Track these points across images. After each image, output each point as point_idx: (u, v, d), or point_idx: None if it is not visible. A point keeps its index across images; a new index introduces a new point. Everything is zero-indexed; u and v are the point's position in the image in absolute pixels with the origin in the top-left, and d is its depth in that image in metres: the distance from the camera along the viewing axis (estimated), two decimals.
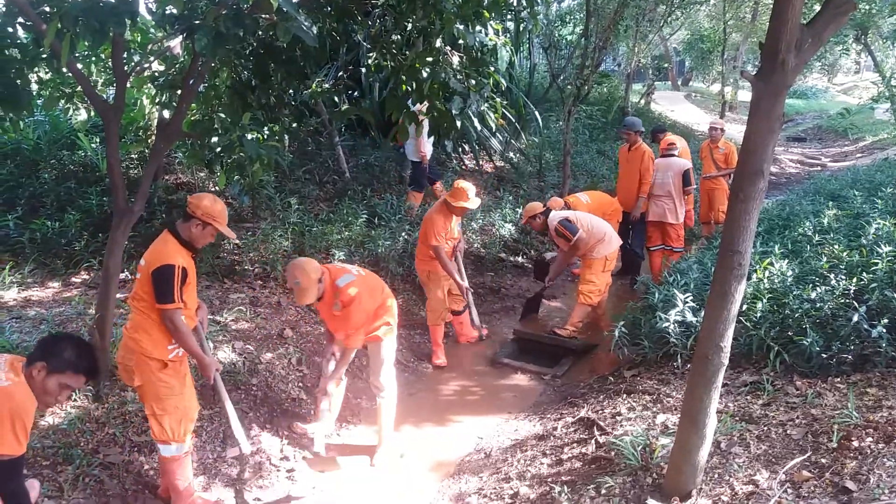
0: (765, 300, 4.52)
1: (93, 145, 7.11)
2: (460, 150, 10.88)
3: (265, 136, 6.86)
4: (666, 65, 26.38)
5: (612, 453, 3.80)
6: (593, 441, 4.10)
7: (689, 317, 4.66)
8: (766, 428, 3.61)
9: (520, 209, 8.98)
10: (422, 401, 5.35)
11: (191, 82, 4.66)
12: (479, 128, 8.36)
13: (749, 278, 4.90)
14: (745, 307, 4.55)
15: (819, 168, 16.25)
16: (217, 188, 7.28)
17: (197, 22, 3.56)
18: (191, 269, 3.63)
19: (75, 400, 4.15)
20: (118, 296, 5.60)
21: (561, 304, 7.44)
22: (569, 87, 12.73)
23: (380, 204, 7.86)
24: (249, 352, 5.15)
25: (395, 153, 9.30)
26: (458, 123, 5.39)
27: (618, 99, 17.10)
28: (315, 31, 4.02)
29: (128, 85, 4.71)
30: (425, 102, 4.86)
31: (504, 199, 9.27)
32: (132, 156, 7.42)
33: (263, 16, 3.79)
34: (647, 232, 7.60)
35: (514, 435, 4.72)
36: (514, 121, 11.17)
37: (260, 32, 4.39)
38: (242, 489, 4.04)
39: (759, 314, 4.44)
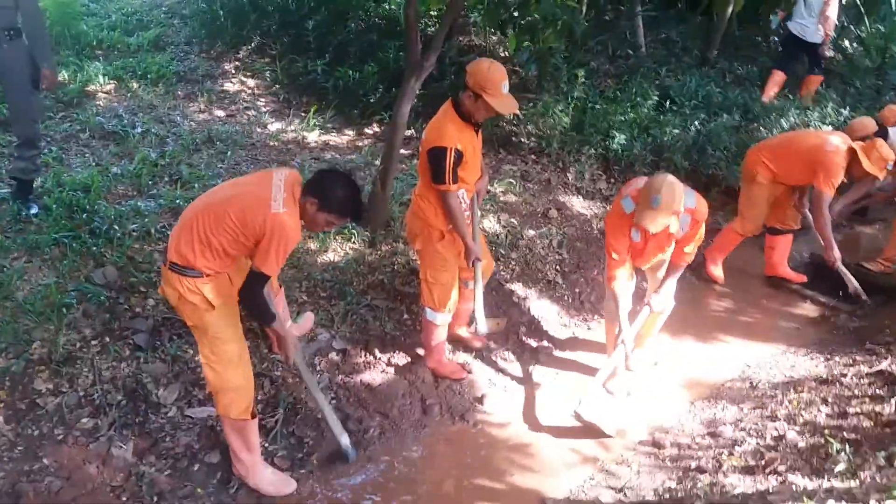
0: None
1: None
2: (780, 30, 9.27)
3: None
4: None
5: None
6: (894, 401, 3.38)
7: None
8: None
9: (845, 111, 7.48)
10: (685, 313, 4.54)
11: None
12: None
13: None
14: None
15: None
16: (507, 53, 7.11)
17: None
18: (469, 148, 3.33)
19: (354, 243, 4.49)
20: (403, 151, 5.92)
21: (878, 233, 6.17)
22: None
23: (674, 86, 7.06)
24: (513, 226, 5.10)
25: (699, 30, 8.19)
26: None
27: None
28: None
29: None
30: None
31: (826, 95, 7.76)
32: (431, 13, 7.51)
33: None
34: None
35: (790, 371, 4.11)
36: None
37: None
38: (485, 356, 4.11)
39: None
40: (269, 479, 3.09)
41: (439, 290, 3.60)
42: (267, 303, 2.91)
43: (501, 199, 5.44)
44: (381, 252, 4.50)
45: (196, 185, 4.73)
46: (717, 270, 5.15)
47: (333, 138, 5.93)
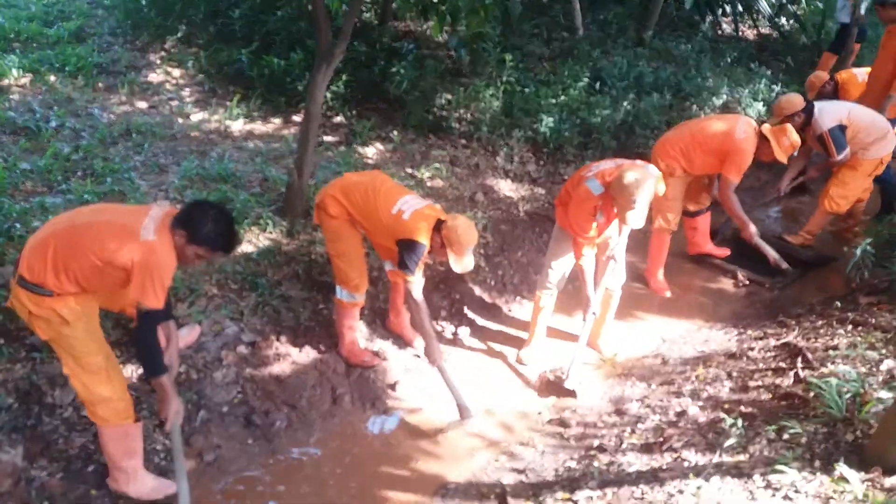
0: None
1: None
2: (718, 10, 9.35)
3: None
4: None
5: (811, 394, 3.16)
6: (793, 374, 3.45)
7: None
8: None
9: (777, 87, 7.58)
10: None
11: None
12: None
13: None
14: None
15: None
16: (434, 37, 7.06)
17: None
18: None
19: (270, 233, 4.43)
20: (330, 138, 5.86)
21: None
22: None
23: (607, 67, 7.07)
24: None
25: (637, 10, 8.22)
26: None
27: None
28: None
29: None
30: None
31: (759, 73, 7.85)
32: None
33: None
34: None
35: (702, 346, 4.18)
36: None
37: None
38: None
39: None
40: (151, 485, 2.99)
41: (344, 263, 3.64)
42: (159, 350, 2.80)
43: (429, 184, 5.41)
44: (298, 241, 4.44)
45: (109, 180, 4.61)
46: (661, 283, 4.96)
47: (258, 127, 5.83)
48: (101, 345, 2.83)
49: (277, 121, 6.00)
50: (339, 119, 6.19)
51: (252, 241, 4.34)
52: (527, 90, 6.43)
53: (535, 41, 7.67)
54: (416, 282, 3.52)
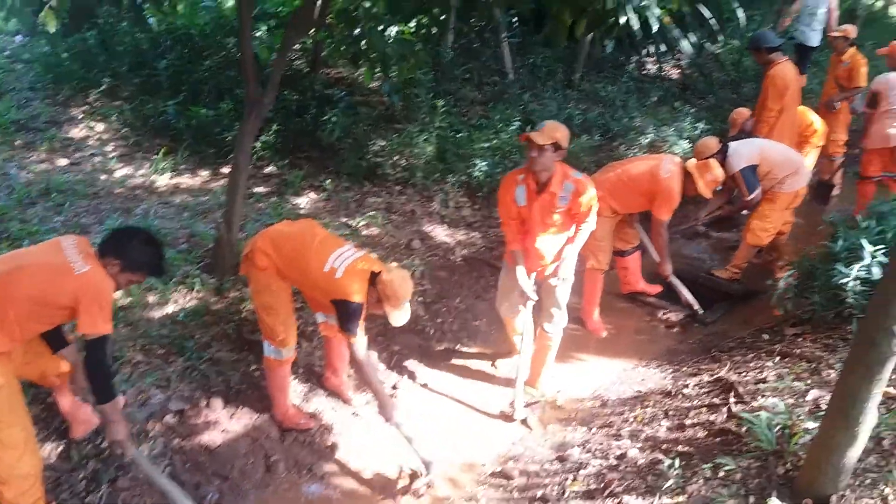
0: None
1: (257, 33, 7.17)
2: (643, 51, 9.72)
3: (411, 31, 6.47)
4: None
5: (744, 429, 3.19)
6: (726, 409, 3.49)
7: (877, 274, 3.74)
8: None
9: (701, 124, 7.88)
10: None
11: None
12: (654, 27, 7.16)
13: None
14: None
15: None
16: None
17: None
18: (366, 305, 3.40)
19: (198, 292, 4.29)
20: (260, 189, 5.77)
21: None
22: None
23: (538, 110, 7.24)
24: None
25: (565, 53, 8.47)
26: (622, 20, 4.64)
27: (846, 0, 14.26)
28: None
29: None
30: None
31: (683, 111, 8.16)
32: (295, 47, 7.41)
33: None
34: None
35: (640, 385, 4.21)
36: (708, 20, 9.70)
37: None
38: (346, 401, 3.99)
39: None
40: None
41: (270, 316, 3.51)
42: (112, 374, 2.85)
43: (364, 232, 5.38)
44: (228, 299, 4.32)
45: (26, 242, 4.40)
46: (597, 323, 4.98)
47: (186, 180, 5.71)
48: (24, 418, 2.70)
49: (206, 173, 5.88)
50: (270, 169, 6.12)
51: (178, 302, 4.20)
52: (460, 134, 6.51)
53: (467, 86, 7.81)
54: (360, 342, 3.45)
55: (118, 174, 5.60)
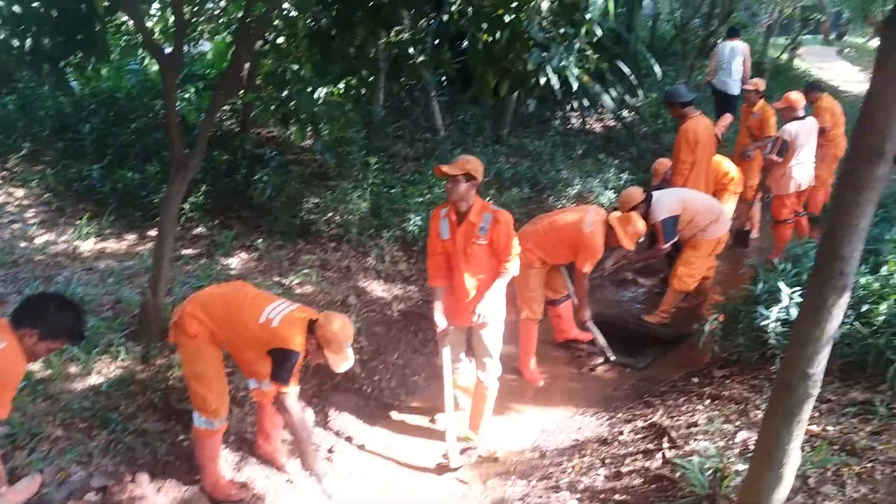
0: (892, 301, 3.71)
1: (185, 95, 7.15)
2: (567, 106, 10.12)
3: (340, 91, 6.59)
4: (818, 16, 23.26)
5: (677, 474, 3.25)
6: (660, 455, 3.55)
7: (794, 315, 3.93)
8: (869, 464, 2.95)
9: (625, 175, 8.21)
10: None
11: (249, 30, 4.43)
12: (574, 85, 7.50)
13: (876, 272, 4.07)
14: (864, 308, 3.77)
15: None
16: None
17: None
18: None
19: (122, 360, 4.13)
20: (189, 251, 5.65)
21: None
22: (694, 39, 11.52)
23: None
24: None
25: (492, 110, 8.74)
26: (543, 80, 4.83)
27: (754, 54, 15.31)
28: None
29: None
30: None
31: (607, 162, 8.49)
32: (224, 108, 7.41)
33: None
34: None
35: (577, 434, 4.24)
36: (628, 76, 10.21)
37: None
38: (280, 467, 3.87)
39: (881, 318, 3.65)
40: None
41: (201, 386, 3.39)
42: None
43: (298, 290, 5.31)
44: (154, 367, 4.16)
45: None
46: (534, 372, 5.01)
47: (111, 245, 5.54)
48: None
49: (132, 237, 5.73)
50: (199, 230, 6.01)
51: (102, 372, 4.03)
52: (394, 190, 6.58)
53: (399, 143, 7.95)
54: (292, 392, 3.35)
55: (39, 241, 5.39)
